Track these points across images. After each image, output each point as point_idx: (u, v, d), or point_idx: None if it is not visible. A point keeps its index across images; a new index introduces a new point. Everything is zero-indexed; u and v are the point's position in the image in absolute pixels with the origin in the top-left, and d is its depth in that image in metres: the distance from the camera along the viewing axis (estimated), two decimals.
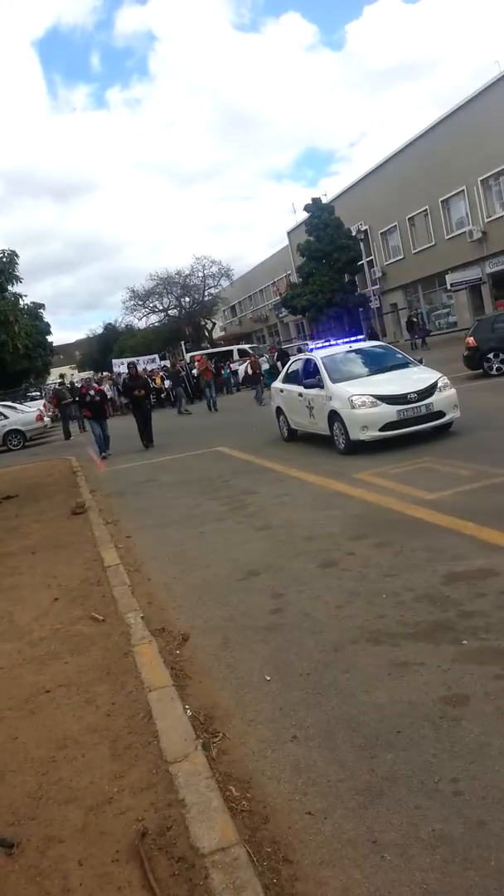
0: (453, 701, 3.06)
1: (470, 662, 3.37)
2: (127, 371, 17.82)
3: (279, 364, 21.08)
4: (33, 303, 36.23)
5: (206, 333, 57.35)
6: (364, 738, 2.91)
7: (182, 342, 52.93)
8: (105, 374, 27.72)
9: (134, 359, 22.24)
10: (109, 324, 72.03)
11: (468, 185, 30.10)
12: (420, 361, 10.82)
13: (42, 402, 29.05)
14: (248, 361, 27.11)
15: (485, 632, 3.65)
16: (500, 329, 15.46)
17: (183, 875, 2.20)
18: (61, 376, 57.92)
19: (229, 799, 2.61)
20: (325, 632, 4.03)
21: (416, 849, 2.22)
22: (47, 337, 40.02)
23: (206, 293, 55.16)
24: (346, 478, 8.21)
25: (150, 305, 56.05)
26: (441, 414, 9.35)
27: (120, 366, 34.02)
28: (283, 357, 27.20)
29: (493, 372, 15.26)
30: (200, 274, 53.90)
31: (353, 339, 12.31)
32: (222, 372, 30.31)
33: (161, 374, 30.92)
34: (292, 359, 13.36)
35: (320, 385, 10.26)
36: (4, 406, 24.49)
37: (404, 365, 10.54)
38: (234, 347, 37.80)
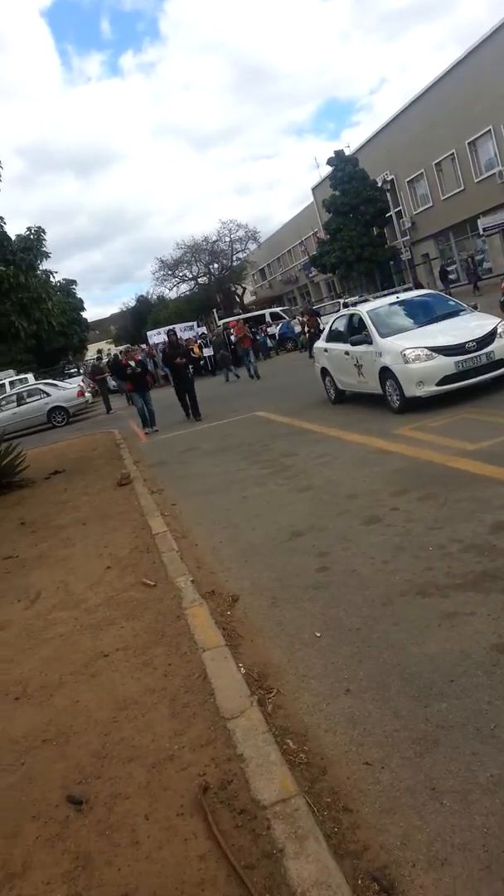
0: None
1: None
2: (166, 339, 17.25)
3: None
4: (65, 279, 36.53)
5: (237, 299, 56.94)
6: (417, 688, 2.93)
7: (214, 309, 52.74)
8: (137, 347, 27.31)
9: (172, 326, 21.40)
10: (141, 296, 72.07)
11: (495, 124, 28.86)
12: (474, 307, 10.09)
13: (80, 378, 29.36)
14: (305, 319, 25.43)
15: None
16: None
17: (246, 826, 2.26)
18: (98, 351, 58.38)
19: (287, 752, 2.66)
20: (373, 587, 4.04)
21: (476, 794, 2.24)
22: (81, 313, 40.32)
23: (234, 258, 54.64)
24: (385, 434, 8.13)
25: (180, 275, 55.87)
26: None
27: (156, 335, 33.82)
28: (316, 315, 26.96)
29: None
30: (227, 239, 53.42)
31: (398, 290, 11.98)
32: (257, 337, 29.46)
33: (198, 342, 30.45)
34: (335, 316, 12.64)
35: (368, 341, 9.65)
36: (46, 384, 24.87)
37: (457, 312, 9.88)
38: (266, 311, 37.33)
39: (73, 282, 39.69)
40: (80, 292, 42.46)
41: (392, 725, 2.72)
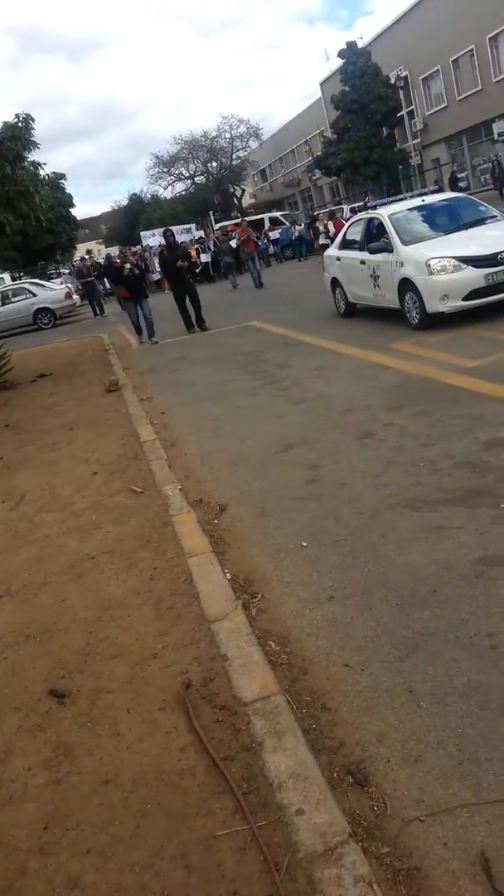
0: (490, 561, 3.06)
1: None
2: (164, 241, 15.23)
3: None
4: (54, 173, 34.73)
5: (236, 201, 54.73)
6: (400, 597, 2.96)
7: (211, 212, 50.74)
8: (130, 248, 25.66)
9: (169, 227, 19.78)
10: (134, 194, 68.96)
11: None
12: None
13: (60, 280, 28.26)
14: (332, 221, 23.37)
15: None
16: None
17: (226, 721, 2.32)
18: (88, 252, 56.45)
19: (269, 653, 2.71)
20: (362, 500, 4.03)
21: (452, 697, 2.29)
22: (71, 210, 38.60)
23: (234, 156, 52.14)
24: (383, 348, 7.97)
25: (176, 173, 53.44)
26: None
27: (150, 237, 32.35)
28: (314, 223, 25.87)
29: None
30: (228, 135, 50.79)
31: (423, 192, 10.66)
32: (259, 242, 27.83)
33: (196, 246, 29.09)
34: (350, 220, 11.24)
35: (388, 249, 8.73)
36: (33, 283, 24.15)
37: (485, 220, 8.99)
38: (266, 216, 35.92)
39: (63, 176, 37.67)
40: (69, 187, 40.48)
41: (373, 631, 2.76)
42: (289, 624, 2.95)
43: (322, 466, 4.75)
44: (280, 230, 31.38)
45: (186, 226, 35.35)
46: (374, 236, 9.36)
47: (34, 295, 22.67)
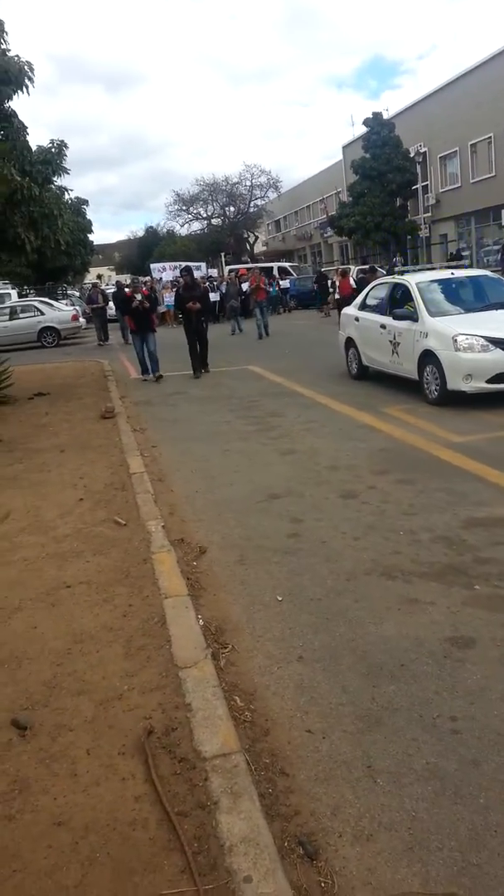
0: (459, 642, 3.11)
1: (480, 608, 3.40)
2: (180, 278, 14.57)
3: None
4: (77, 198, 35.33)
5: (248, 247, 55.81)
6: (368, 666, 2.99)
7: (223, 254, 51.65)
8: (143, 279, 25.24)
9: (186, 264, 18.64)
10: (151, 227, 70.23)
11: None
12: None
13: (65, 302, 28.43)
14: (362, 276, 22.62)
15: (498, 579, 3.67)
16: None
17: (184, 775, 2.32)
18: (98, 277, 57.07)
19: (233, 708, 2.71)
20: (340, 561, 4.08)
21: (409, 778, 2.31)
22: (88, 235, 39.18)
23: (251, 204, 53.31)
24: (374, 410, 8.13)
25: (194, 212, 54.46)
26: None
27: (161, 271, 32.51)
28: (323, 279, 26.22)
29: None
30: (248, 183, 51.95)
31: (452, 265, 10.86)
32: (270, 290, 26.82)
33: (205, 285, 28.89)
34: (374, 282, 11.02)
35: (413, 317, 8.54)
36: (42, 302, 24.37)
37: None
38: (275, 265, 36.62)
39: (85, 202, 38.40)
40: (89, 213, 41.22)
41: (338, 699, 2.79)
42: (256, 680, 2.97)
43: (304, 521, 4.81)
44: (290, 280, 31.92)
45: (197, 264, 35.66)
46: (398, 302, 9.18)
47: (42, 313, 22.86)
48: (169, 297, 24.14)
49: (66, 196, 13.29)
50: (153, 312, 12.89)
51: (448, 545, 4.16)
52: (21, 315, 22.98)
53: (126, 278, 41.90)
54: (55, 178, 11.87)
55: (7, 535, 4.81)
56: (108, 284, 46.57)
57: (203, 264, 35.12)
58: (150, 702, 2.75)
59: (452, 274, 9.59)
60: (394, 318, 8.90)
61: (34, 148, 11.85)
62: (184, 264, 28.38)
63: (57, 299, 29.60)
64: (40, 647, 3.22)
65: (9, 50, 10.68)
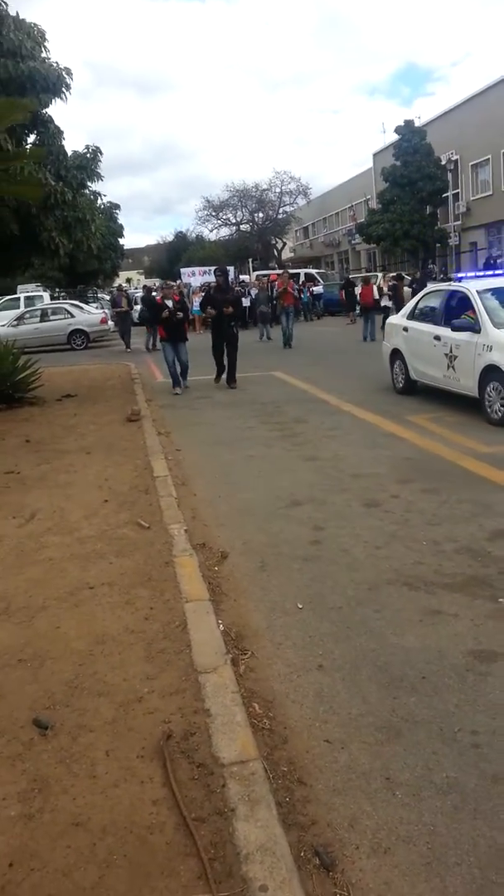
0: (482, 656, 3.07)
1: None
2: (214, 280, 13.45)
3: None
4: (109, 202, 35.70)
5: (276, 253, 55.87)
6: (389, 677, 2.97)
7: (250, 259, 51.77)
8: (173, 282, 24.25)
9: (221, 265, 17.36)
10: (180, 232, 70.88)
11: None
12: None
13: (94, 305, 28.47)
14: (393, 283, 20.95)
15: None
16: None
17: (202, 780, 2.32)
18: (128, 280, 57.58)
19: (252, 715, 2.71)
20: (362, 570, 4.06)
21: (428, 791, 2.29)
22: (119, 239, 39.58)
23: (280, 210, 53.34)
24: (399, 419, 8.09)
25: (223, 217, 54.62)
26: None
27: (190, 276, 32.29)
28: (350, 286, 26.04)
29: None
30: (278, 189, 51.96)
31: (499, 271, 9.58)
32: (301, 295, 25.96)
33: (238, 289, 27.53)
34: (425, 290, 10.21)
35: (475, 329, 7.78)
36: (72, 305, 24.68)
37: None
38: (302, 271, 36.58)
39: (117, 206, 38.76)
40: (121, 218, 41.66)
41: (358, 709, 2.77)
42: (275, 687, 2.96)
43: (326, 528, 4.80)
44: (322, 286, 31.71)
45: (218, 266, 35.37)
46: (455, 312, 8.43)
47: (72, 316, 23.14)
48: (198, 302, 24.00)
49: (99, 201, 13.45)
50: (185, 322, 12.00)
51: (472, 556, 4.12)
52: (52, 317, 23.29)
53: (155, 282, 41.84)
54: (89, 184, 12.02)
55: (33, 534, 4.87)
56: (136, 288, 46.98)
57: (232, 269, 34.73)
58: (169, 705, 2.76)
59: None
60: (451, 329, 8.14)
61: (69, 153, 12.02)
62: (220, 266, 27.85)
63: (87, 302, 29.91)
64: (63, 647, 3.25)
65: (49, 58, 10.86)
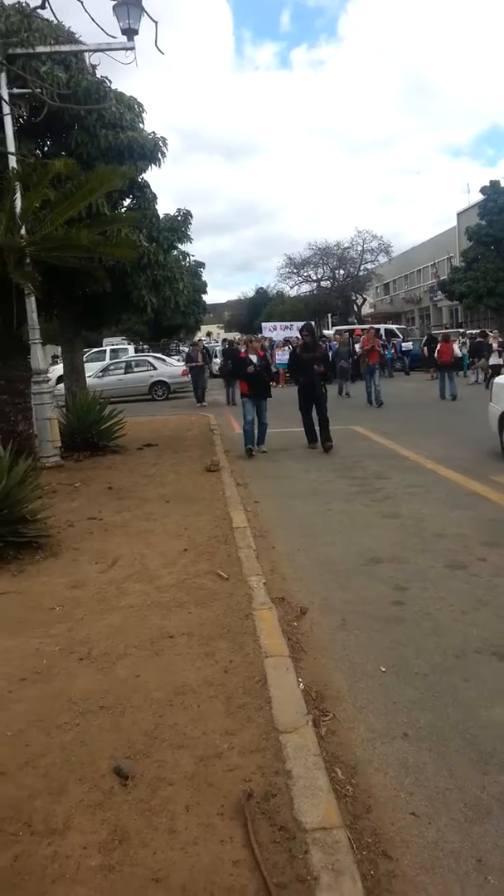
0: None
1: None
2: (299, 337, 12.78)
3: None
4: (195, 261, 37.18)
5: (356, 308, 56.40)
6: (478, 752, 2.82)
7: (329, 314, 52.41)
8: (257, 337, 23.59)
9: (308, 322, 16.12)
10: (261, 288, 72.88)
11: None
12: None
13: (176, 358, 29.21)
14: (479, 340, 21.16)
15: None
16: None
17: (283, 844, 2.25)
18: (208, 334, 59.28)
19: (334, 780, 2.63)
20: (448, 636, 3.92)
21: None
22: (202, 295, 41.01)
23: (361, 267, 54.06)
24: (484, 478, 7.86)
25: (305, 274, 55.83)
26: None
27: (272, 330, 32.47)
28: (432, 343, 25.76)
29: None
30: (359, 247, 52.81)
31: None
32: (385, 351, 25.06)
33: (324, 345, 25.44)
34: None
35: None
36: (156, 358, 25.66)
37: None
38: (382, 326, 36.68)
39: (202, 265, 40.39)
40: (204, 275, 43.27)
41: (445, 783, 2.64)
42: (358, 753, 2.86)
43: (408, 589, 4.67)
44: (410, 341, 31.49)
45: (307, 323, 35.23)
46: None
47: (154, 368, 24.04)
48: (281, 356, 23.74)
49: (186, 260, 14.05)
50: (269, 377, 11.31)
51: None
52: (136, 369, 24.25)
53: (236, 336, 42.59)
54: (178, 244, 12.62)
55: (114, 580, 4.97)
56: (215, 341, 48.24)
57: (312, 323, 34.76)
58: (249, 763, 2.71)
59: None
60: None
61: (161, 215, 12.68)
62: (297, 324, 27.90)
63: (169, 355, 31.00)
64: (143, 696, 3.26)
65: (144, 129, 11.63)
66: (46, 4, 6.52)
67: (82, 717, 3.09)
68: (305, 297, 57.76)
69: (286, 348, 25.53)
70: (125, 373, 24.03)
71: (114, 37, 9.01)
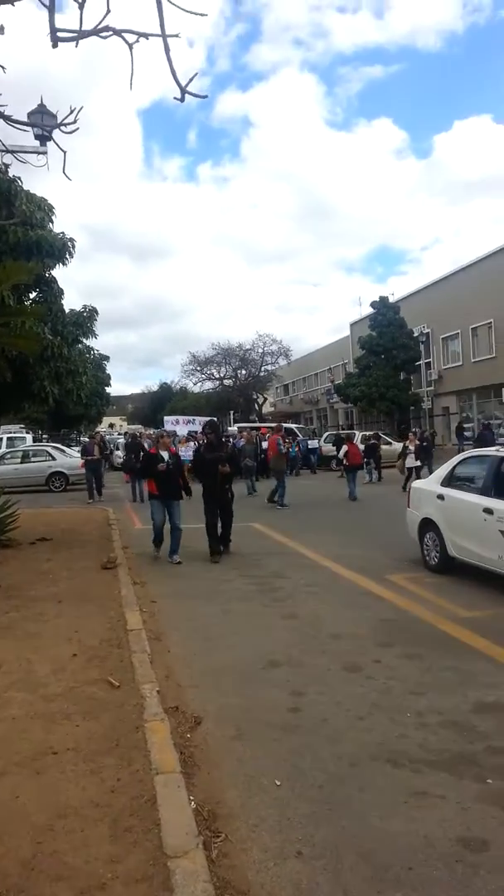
0: (472, 845, 2.89)
1: (493, 805, 3.19)
2: (202, 433, 12.32)
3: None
4: (99, 354, 37.43)
5: (257, 407, 58.21)
6: (373, 868, 2.76)
7: (231, 412, 53.72)
8: (167, 431, 22.10)
9: (211, 418, 15.22)
10: (165, 383, 74.09)
11: None
12: None
13: (76, 449, 28.52)
14: (373, 443, 22.12)
15: None
16: None
17: None
18: (110, 425, 58.95)
19: None
20: (343, 743, 3.88)
21: None
22: (106, 388, 41.10)
23: (262, 368, 56.34)
24: (378, 577, 8.07)
25: (208, 372, 57.49)
26: None
27: (174, 424, 31.99)
28: (340, 442, 26.10)
29: None
30: (260, 350, 55.26)
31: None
32: (289, 450, 24.66)
33: (231, 443, 22.14)
34: (463, 455, 8.81)
35: None
36: (54, 448, 25.08)
37: None
38: (283, 425, 37.84)
39: (107, 357, 40.81)
40: (108, 368, 43.52)
41: None
42: (250, 877, 2.72)
43: (305, 694, 4.62)
44: (318, 440, 32.01)
45: (209, 419, 35.00)
46: None
47: (53, 458, 23.42)
48: (185, 452, 23.32)
49: (91, 354, 14.17)
50: (181, 477, 10.00)
51: (458, 731, 3.97)
52: (33, 459, 23.54)
53: (140, 430, 42.29)
54: (83, 339, 12.75)
55: None
56: (118, 434, 47.93)
57: (214, 419, 34.60)
58: (134, 894, 2.52)
59: None
60: None
61: (67, 310, 12.84)
62: (200, 418, 27.74)
63: (69, 446, 30.41)
64: (21, 821, 2.99)
65: (53, 229, 11.94)
66: None
67: None
68: (208, 394, 59.20)
69: (190, 444, 25.61)
70: (21, 462, 23.28)
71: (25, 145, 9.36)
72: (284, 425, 36.99)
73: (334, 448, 26.04)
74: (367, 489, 19.64)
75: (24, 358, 10.61)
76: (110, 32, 3.40)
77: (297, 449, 28.02)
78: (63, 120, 4.73)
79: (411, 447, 19.41)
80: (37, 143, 9.77)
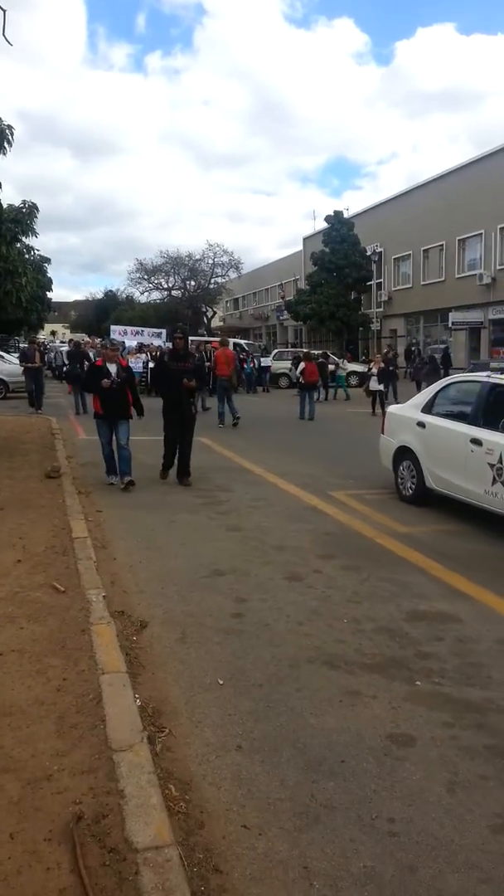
0: (400, 740, 3.10)
1: (420, 704, 3.42)
2: (169, 342, 11.35)
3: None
4: (40, 256, 35.56)
5: (206, 320, 57.10)
6: (308, 760, 2.94)
7: (179, 324, 52.62)
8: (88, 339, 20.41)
9: (177, 325, 12.74)
10: (111, 291, 71.42)
11: (487, 229, 30.44)
12: None
13: (16, 356, 27.20)
14: (382, 356, 20.04)
15: (439, 676, 3.71)
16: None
17: (113, 867, 2.20)
18: (52, 333, 56.91)
19: (168, 797, 2.61)
20: (283, 646, 4.05)
21: (346, 882, 2.25)
22: (48, 293, 39.27)
23: (212, 281, 54.88)
24: (321, 493, 8.26)
25: (155, 282, 55.60)
26: None
27: (122, 335, 29.31)
28: (297, 362, 24.63)
29: None
30: (210, 261, 53.59)
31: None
32: (244, 366, 24.70)
33: (198, 354, 19.81)
34: (446, 380, 8.24)
35: None
36: None
37: None
38: (232, 340, 37.34)
39: (48, 260, 38.68)
40: (50, 271, 41.44)
41: (277, 794, 2.72)
42: (192, 769, 2.87)
43: (248, 601, 4.78)
44: (270, 358, 31.10)
45: (158, 330, 32.92)
46: (497, 410, 6.69)
47: None
48: (135, 363, 20.72)
49: (31, 255, 13.43)
50: (130, 390, 8.75)
51: (391, 637, 4.20)
52: None
53: (84, 337, 40.62)
54: (23, 238, 12.03)
55: None
56: (60, 341, 46.32)
57: (163, 331, 32.36)
58: (80, 785, 2.62)
59: None
60: (500, 431, 6.45)
61: (5, 205, 12.01)
62: (148, 329, 26.25)
63: (8, 352, 29.25)
64: None
65: None
66: None
67: None
68: (156, 304, 57.48)
69: (140, 356, 24.91)
70: None
71: None
72: (232, 340, 36.55)
73: (293, 367, 25.43)
74: (317, 407, 19.79)
75: None
76: None
77: (252, 366, 27.55)
78: None
79: (375, 369, 18.76)
80: None
